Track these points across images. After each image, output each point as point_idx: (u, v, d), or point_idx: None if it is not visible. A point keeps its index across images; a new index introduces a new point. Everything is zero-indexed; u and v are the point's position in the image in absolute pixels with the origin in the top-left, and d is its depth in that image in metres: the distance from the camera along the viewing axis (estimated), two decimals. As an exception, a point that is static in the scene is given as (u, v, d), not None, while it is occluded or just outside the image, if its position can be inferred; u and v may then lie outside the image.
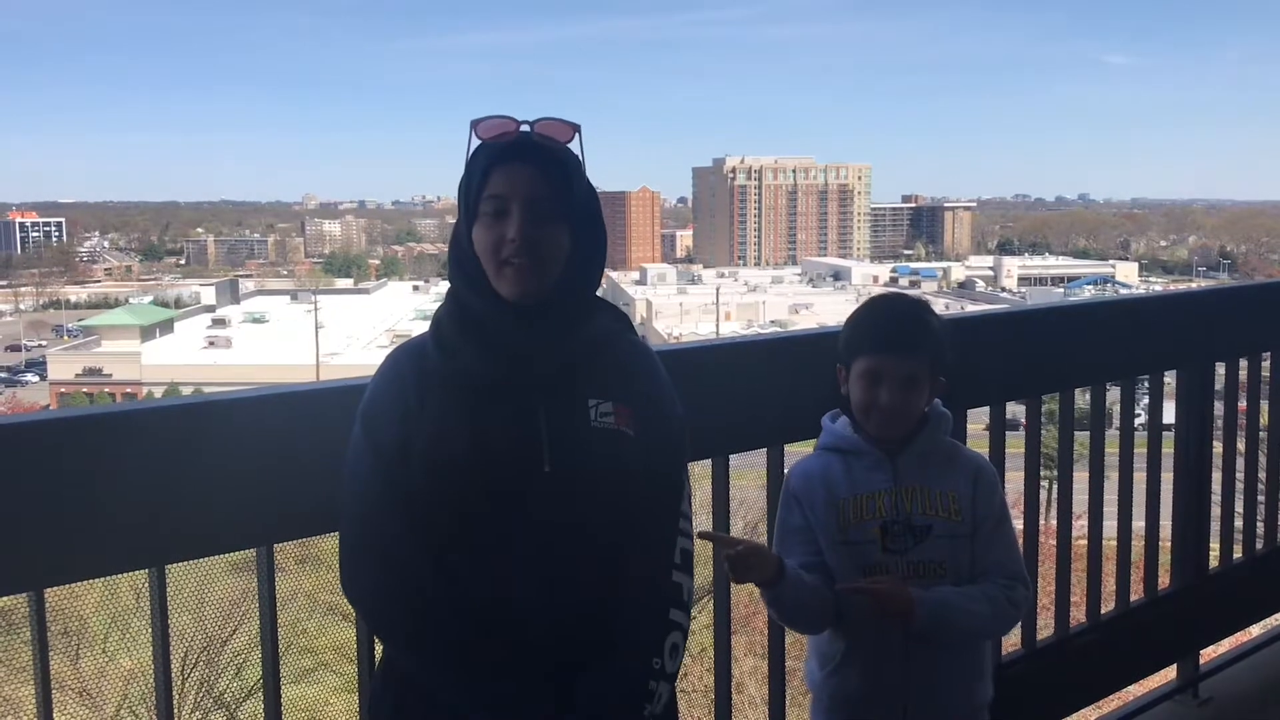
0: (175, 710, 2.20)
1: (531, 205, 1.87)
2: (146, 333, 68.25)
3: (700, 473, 2.93)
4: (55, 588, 2.05)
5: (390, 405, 1.90)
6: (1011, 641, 3.30)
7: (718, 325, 67.36)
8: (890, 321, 2.43)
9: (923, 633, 2.31)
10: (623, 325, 2.06)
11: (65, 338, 78.40)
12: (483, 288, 1.90)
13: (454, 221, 1.98)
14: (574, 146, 1.95)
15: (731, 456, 2.85)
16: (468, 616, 1.84)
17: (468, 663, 1.84)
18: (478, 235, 1.89)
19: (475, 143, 1.92)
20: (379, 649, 2.10)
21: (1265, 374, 4.24)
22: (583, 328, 1.95)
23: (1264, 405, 4.26)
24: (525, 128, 1.91)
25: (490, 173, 1.88)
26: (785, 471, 2.84)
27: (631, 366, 2.02)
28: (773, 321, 69.47)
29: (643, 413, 1.98)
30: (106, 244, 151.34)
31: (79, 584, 2.11)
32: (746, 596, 3.55)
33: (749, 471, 3.18)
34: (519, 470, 1.86)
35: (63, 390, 56.45)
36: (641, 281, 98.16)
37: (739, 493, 2.86)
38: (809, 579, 2.34)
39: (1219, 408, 4.12)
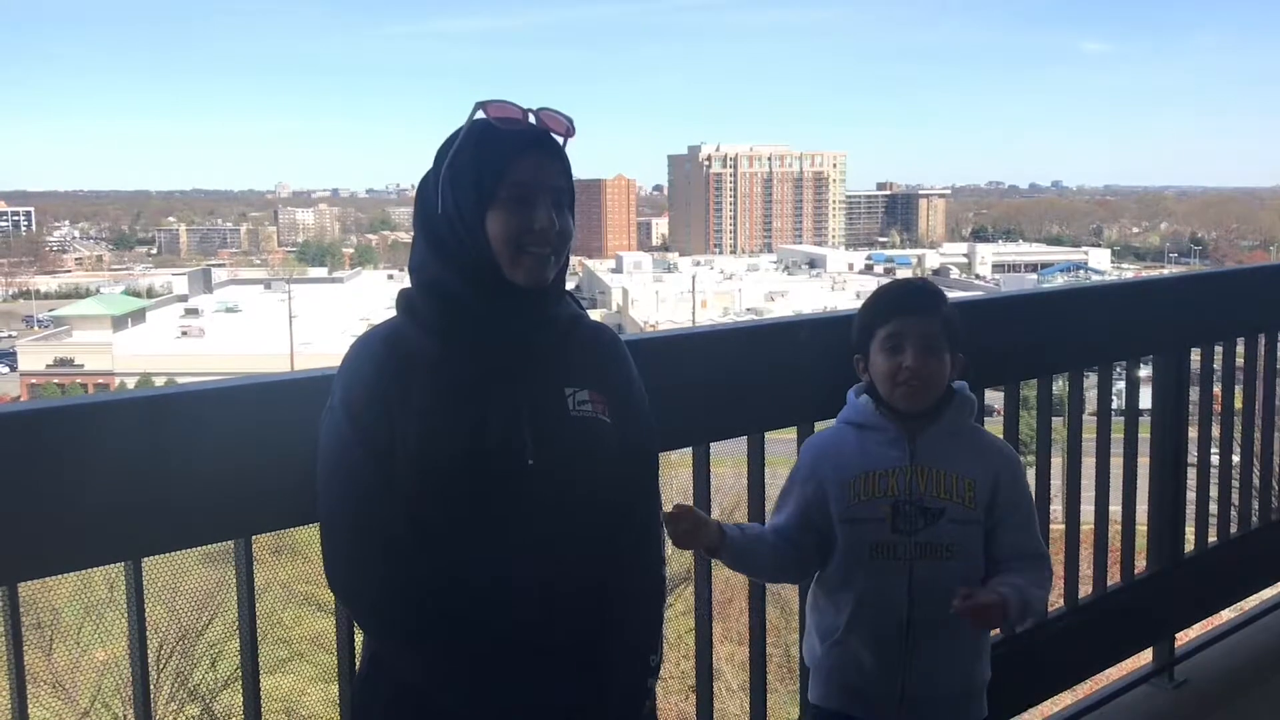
0: (151, 703, 2.17)
1: (555, 195, 1.89)
2: (118, 323, 67.65)
3: (679, 461, 2.93)
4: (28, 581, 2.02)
5: (372, 394, 1.86)
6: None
7: (694, 313, 67.27)
8: (904, 287, 2.52)
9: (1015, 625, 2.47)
10: (581, 308, 2.06)
11: (35, 328, 77.54)
12: (476, 273, 1.87)
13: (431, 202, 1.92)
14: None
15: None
16: (469, 610, 1.83)
17: (471, 659, 1.83)
18: (499, 220, 1.86)
19: (479, 123, 1.88)
20: (359, 639, 2.08)
21: (1239, 359, 4.27)
22: (559, 310, 1.96)
23: (1238, 390, 4.30)
24: (531, 116, 1.90)
25: (511, 159, 1.87)
26: (763, 456, 2.86)
27: (600, 351, 2.02)
28: (749, 309, 69.36)
29: (616, 399, 1.97)
30: (77, 233, 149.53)
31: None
32: (723, 583, 3.53)
33: (726, 459, 3.17)
34: (505, 466, 1.84)
35: (33, 381, 55.90)
36: (618, 270, 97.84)
37: (715, 480, 2.85)
38: (752, 537, 2.37)
39: (1194, 393, 4.14)
